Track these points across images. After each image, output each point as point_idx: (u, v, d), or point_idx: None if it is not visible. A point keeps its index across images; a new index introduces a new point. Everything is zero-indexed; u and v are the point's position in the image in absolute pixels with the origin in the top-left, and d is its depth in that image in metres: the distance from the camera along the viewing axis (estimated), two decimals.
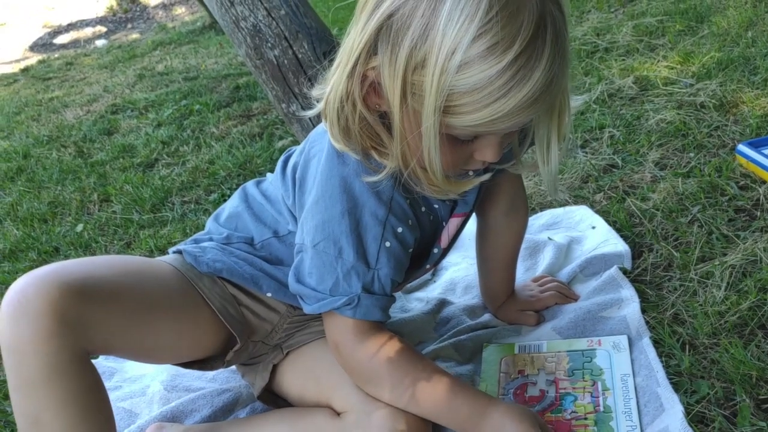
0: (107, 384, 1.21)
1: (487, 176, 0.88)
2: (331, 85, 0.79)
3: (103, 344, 0.83)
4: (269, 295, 0.98)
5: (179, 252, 1.00)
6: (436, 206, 0.96)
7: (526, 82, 0.69)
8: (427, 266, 1.02)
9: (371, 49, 0.74)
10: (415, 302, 1.29)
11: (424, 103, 0.71)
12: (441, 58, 0.68)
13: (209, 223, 1.07)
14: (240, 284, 0.98)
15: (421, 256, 1.00)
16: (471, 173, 0.90)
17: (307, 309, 0.90)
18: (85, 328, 0.79)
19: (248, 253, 1.00)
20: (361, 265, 0.87)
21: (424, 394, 0.88)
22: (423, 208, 0.94)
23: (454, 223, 1.00)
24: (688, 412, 0.86)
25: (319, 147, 0.91)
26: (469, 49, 0.67)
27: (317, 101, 0.85)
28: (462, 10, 0.67)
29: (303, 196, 0.92)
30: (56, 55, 5.86)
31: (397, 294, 1.31)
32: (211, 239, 1.02)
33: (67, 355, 0.77)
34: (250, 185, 1.07)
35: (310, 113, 0.88)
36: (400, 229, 0.89)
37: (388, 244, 0.88)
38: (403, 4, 0.70)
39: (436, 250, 1.01)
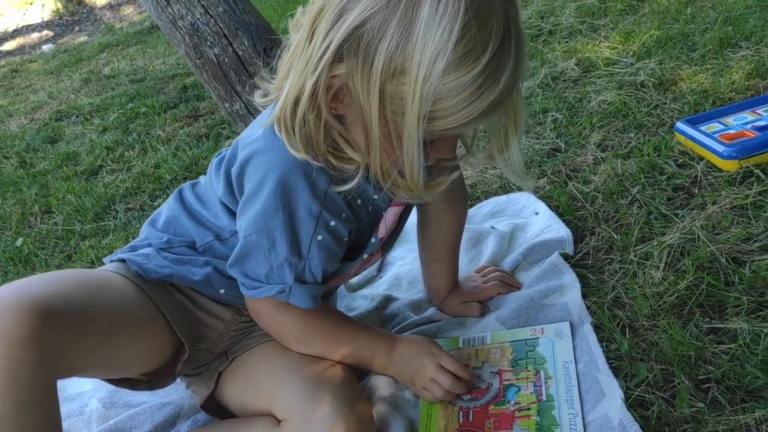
0: None
1: (456, 174, 0.90)
2: (287, 93, 0.79)
3: (76, 365, 0.81)
4: (222, 292, 0.98)
5: (121, 261, 0.96)
6: (375, 197, 0.95)
7: (497, 85, 0.72)
8: (365, 256, 1.00)
9: (336, 57, 0.74)
10: (360, 300, 1.26)
11: (405, 112, 0.72)
12: (424, 65, 0.69)
13: (145, 229, 1.04)
14: (191, 288, 0.97)
15: (358, 246, 0.99)
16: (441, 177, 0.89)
17: (245, 293, 0.94)
18: (58, 355, 0.76)
19: (191, 256, 0.97)
20: (294, 257, 0.89)
21: (344, 342, 0.97)
22: (359, 201, 0.93)
23: (392, 212, 1.00)
24: (627, 397, 0.86)
25: (254, 140, 0.90)
26: (450, 55, 0.69)
27: (263, 108, 0.85)
28: (441, 18, 0.68)
29: (241, 189, 0.91)
30: (2, 63, 5.69)
31: (342, 292, 1.29)
32: (149, 245, 0.99)
33: (41, 384, 0.75)
34: (186, 189, 1.04)
35: (262, 121, 0.87)
36: (332, 223, 0.89)
37: (320, 237, 0.89)
38: (372, 16, 0.70)
39: (373, 240, 1.00)
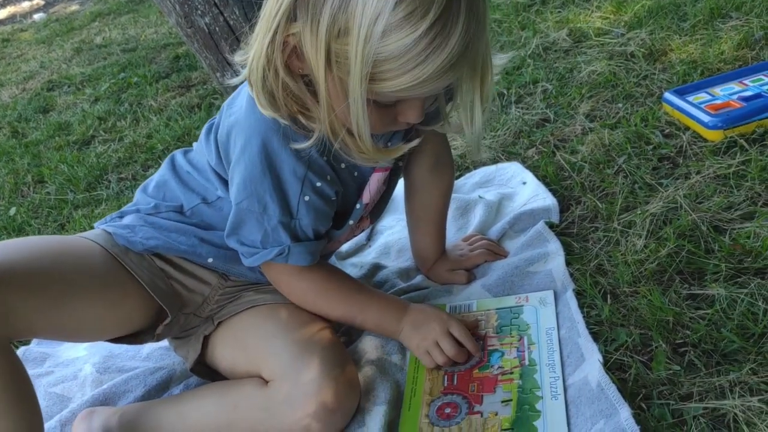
0: (39, 369, 1.19)
1: (416, 142, 0.90)
2: (253, 53, 0.80)
3: (26, 328, 0.83)
4: (210, 260, 1.00)
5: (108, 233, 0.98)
6: (358, 162, 0.96)
7: (443, 48, 0.71)
8: (350, 222, 1.02)
9: (290, 15, 0.75)
10: (349, 268, 1.28)
11: (350, 72, 0.73)
12: (364, 26, 0.70)
13: (137, 194, 1.06)
14: (178, 257, 0.99)
15: (344, 212, 1.01)
16: (398, 142, 0.91)
17: (245, 262, 0.96)
18: (5, 315, 0.79)
19: (178, 222, 0.99)
20: (286, 218, 0.91)
21: (360, 308, 1.00)
22: (343, 165, 0.95)
23: (375, 178, 1.01)
24: (606, 361, 0.88)
25: (238, 106, 0.91)
26: (390, 17, 0.69)
27: (242, 67, 0.85)
28: None
29: (227, 156, 0.92)
30: None
31: (332, 260, 1.31)
32: (138, 210, 1.01)
33: None
34: (178, 155, 1.06)
35: (236, 81, 0.89)
36: (318, 184, 0.91)
37: (307, 198, 0.91)
38: None
39: (358, 206, 1.01)
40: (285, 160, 0.87)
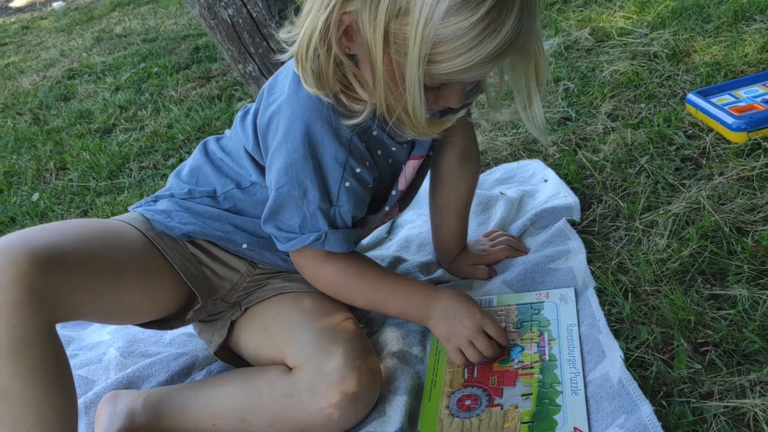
0: None
1: (463, 112, 0.91)
2: (305, 29, 0.81)
3: (70, 312, 0.83)
4: (244, 246, 1.01)
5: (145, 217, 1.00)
6: (393, 149, 0.98)
7: (497, 34, 0.74)
8: (386, 208, 1.03)
9: None
10: None
11: (408, 53, 0.75)
12: (426, 7, 0.72)
13: (171, 179, 1.07)
14: (210, 243, 1.01)
15: (380, 199, 1.02)
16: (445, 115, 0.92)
17: (281, 247, 0.96)
18: (54, 298, 0.79)
19: (212, 207, 1.00)
20: (326, 204, 0.92)
21: (387, 293, 1.00)
22: (379, 152, 0.96)
23: (411, 165, 1.02)
24: (627, 358, 0.89)
25: (279, 91, 0.93)
26: (451, 0, 0.71)
27: (288, 45, 0.87)
28: None
29: (266, 141, 0.94)
30: (12, 19, 5.67)
31: None
32: (172, 195, 1.03)
33: (36, 326, 0.77)
34: (210, 141, 1.07)
35: (284, 57, 0.89)
36: (358, 170, 0.92)
37: (347, 184, 0.92)
38: None
39: (394, 192, 1.03)
40: (327, 145, 0.89)
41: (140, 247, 0.94)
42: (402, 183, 1.02)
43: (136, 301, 0.93)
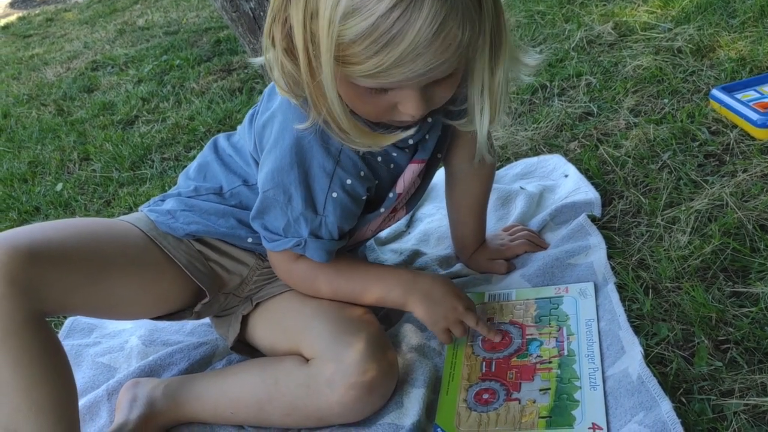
0: (87, 339, 1.23)
1: (411, 131, 0.88)
2: (264, 32, 0.81)
3: (59, 303, 0.86)
4: (249, 240, 1.02)
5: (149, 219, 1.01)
6: (394, 154, 0.97)
7: (406, 32, 0.69)
8: (382, 210, 1.03)
9: None
10: (389, 254, 1.30)
11: (321, 53, 0.73)
12: (329, 7, 0.70)
13: (180, 178, 1.09)
14: (217, 239, 1.02)
15: (377, 200, 1.02)
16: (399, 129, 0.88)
17: (265, 245, 0.98)
18: (38, 290, 0.81)
19: (218, 204, 1.02)
20: (309, 213, 0.93)
21: (363, 283, 1.00)
22: (379, 158, 0.96)
23: (410, 169, 1.01)
24: (647, 354, 0.88)
25: (276, 97, 0.93)
26: (347, 0, 0.68)
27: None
28: None
29: (261, 144, 0.95)
30: (37, 11, 5.73)
31: (372, 245, 1.32)
32: (179, 194, 1.04)
33: (21, 316, 0.79)
34: (221, 138, 1.08)
35: (257, 60, 0.88)
36: (348, 182, 0.92)
37: (335, 194, 0.92)
38: None
39: (391, 195, 1.02)
40: (315, 155, 0.89)
41: (135, 244, 0.96)
42: (400, 186, 1.02)
43: (129, 296, 0.94)
